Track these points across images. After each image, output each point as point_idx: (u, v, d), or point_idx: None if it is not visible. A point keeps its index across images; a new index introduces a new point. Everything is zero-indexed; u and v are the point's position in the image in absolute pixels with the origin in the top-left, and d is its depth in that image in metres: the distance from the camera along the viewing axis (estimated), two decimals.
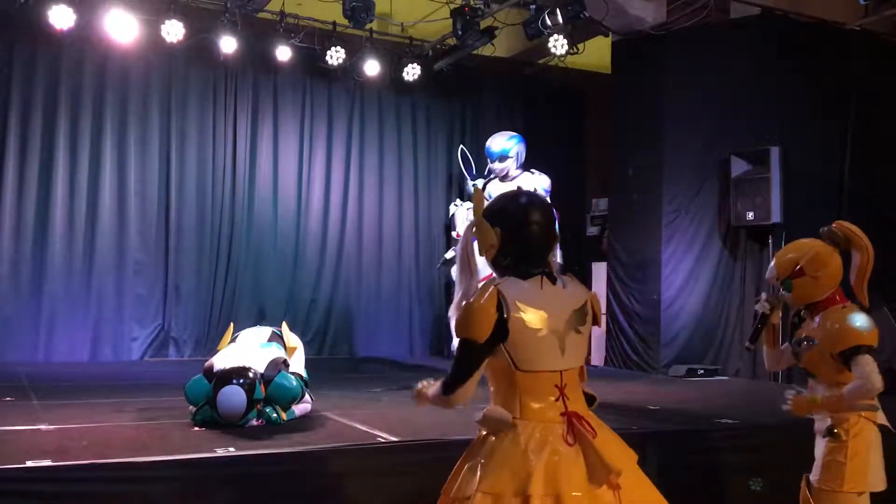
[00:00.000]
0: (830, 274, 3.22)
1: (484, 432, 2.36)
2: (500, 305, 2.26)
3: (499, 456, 2.25)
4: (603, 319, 8.64)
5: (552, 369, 2.31)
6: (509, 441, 2.26)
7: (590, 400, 2.44)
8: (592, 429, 2.31)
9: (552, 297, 2.35)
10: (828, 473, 3.20)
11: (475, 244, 2.43)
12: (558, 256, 7.97)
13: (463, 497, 2.26)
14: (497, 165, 8.22)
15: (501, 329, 2.26)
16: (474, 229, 2.40)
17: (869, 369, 3.12)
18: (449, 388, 2.34)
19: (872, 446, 3.18)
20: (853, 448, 3.15)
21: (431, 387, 2.45)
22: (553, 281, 2.38)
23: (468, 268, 2.42)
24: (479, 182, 8.55)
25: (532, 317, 2.28)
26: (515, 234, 2.38)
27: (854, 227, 3.23)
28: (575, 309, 2.37)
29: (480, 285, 2.36)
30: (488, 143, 8.37)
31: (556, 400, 2.31)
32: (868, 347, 3.12)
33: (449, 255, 8.50)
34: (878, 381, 3.10)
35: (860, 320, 3.14)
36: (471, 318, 2.27)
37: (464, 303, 2.32)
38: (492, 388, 2.38)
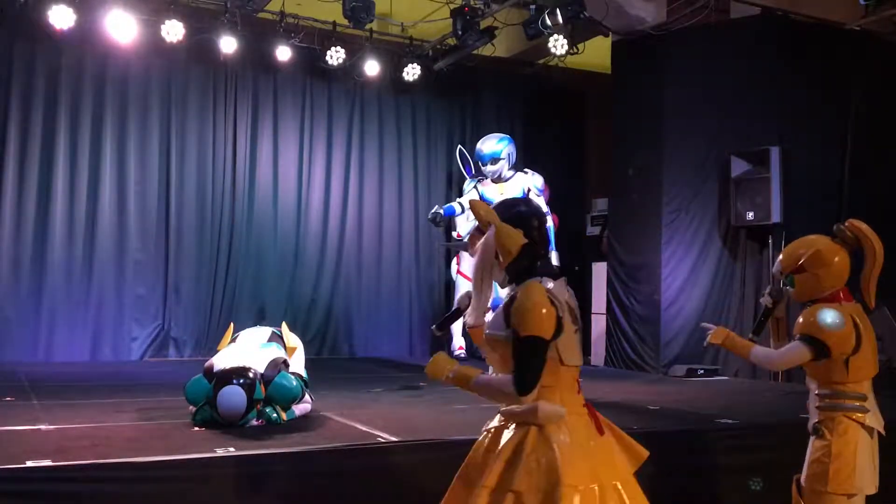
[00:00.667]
0: (833, 273, 3.19)
1: (512, 426, 2.41)
2: (552, 303, 2.38)
3: (564, 448, 2.32)
4: (603, 319, 8.66)
5: (578, 364, 2.48)
6: (561, 433, 2.35)
7: None
8: (606, 419, 2.50)
9: (571, 298, 2.51)
10: (813, 473, 3.19)
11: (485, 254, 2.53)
12: (555, 259, 8.05)
13: (529, 490, 2.29)
14: (489, 168, 8.28)
15: (558, 325, 2.38)
16: (494, 236, 2.46)
17: (790, 355, 3.15)
18: (528, 386, 2.36)
19: (860, 448, 3.13)
20: (837, 448, 3.12)
21: (486, 376, 2.50)
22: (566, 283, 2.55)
23: (489, 276, 2.51)
24: (473, 182, 8.58)
25: (569, 314, 2.44)
26: (531, 236, 2.50)
27: (864, 228, 3.19)
28: (577, 309, 2.54)
29: (525, 287, 2.42)
30: (479, 146, 8.41)
31: (578, 393, 2.47)
32: (818, 342, 3.09)
33: (462, 230, 8.44)
34: (780, 365, 3.16)
35: (830, 317, 3.11)
36: (537, 317, 2.35)
37: (521, 304, 2.37)
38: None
